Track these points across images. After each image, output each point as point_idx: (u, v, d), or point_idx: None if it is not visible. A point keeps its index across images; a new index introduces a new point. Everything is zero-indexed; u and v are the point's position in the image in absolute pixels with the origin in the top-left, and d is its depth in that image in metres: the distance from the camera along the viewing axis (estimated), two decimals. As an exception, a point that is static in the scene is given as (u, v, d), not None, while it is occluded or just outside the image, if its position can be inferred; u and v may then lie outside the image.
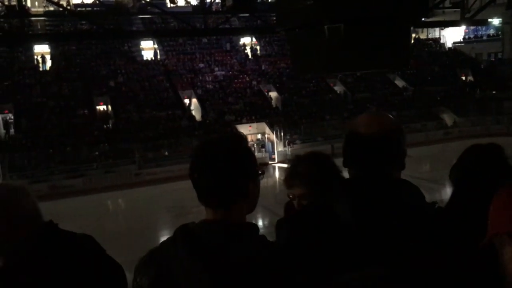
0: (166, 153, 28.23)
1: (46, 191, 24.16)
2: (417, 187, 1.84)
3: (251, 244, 1.48)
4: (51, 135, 28.06)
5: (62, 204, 22.53)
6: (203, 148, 1.59)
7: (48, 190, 24.31)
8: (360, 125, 1.79)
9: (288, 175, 2.30)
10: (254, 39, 41.81)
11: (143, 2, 25.63)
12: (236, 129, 30.97)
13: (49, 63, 35.13)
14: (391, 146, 1.76)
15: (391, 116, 1.86)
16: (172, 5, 40.33)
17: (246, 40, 41.72)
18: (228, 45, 40.59)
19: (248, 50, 41.04)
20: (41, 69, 34.49)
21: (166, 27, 38.84)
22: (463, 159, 2.03)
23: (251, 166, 1.59)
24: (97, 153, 27.15)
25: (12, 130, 28.78)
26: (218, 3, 28.94)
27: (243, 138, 1.62)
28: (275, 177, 27.98)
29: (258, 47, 40.94)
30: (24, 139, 27.45)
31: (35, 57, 35.21)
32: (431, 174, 24.50)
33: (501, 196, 1.09)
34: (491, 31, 45.13)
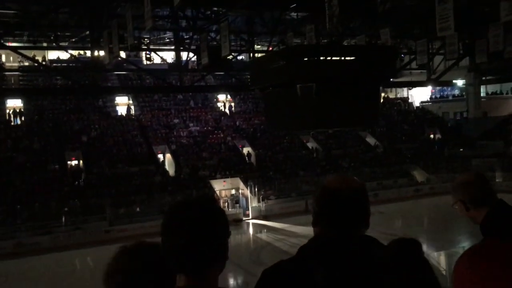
0: (138, 209, 27.68)
1: (11, 248, 23.21)
2: (382, 244, 1.95)
3: None
4: (19, 191, 27.28)
5: (28, 262, 21.61)
6: (176, 210, 1.56)
7: (14, 247, 23.35)
8: (331, 186, 1.89)
9: None
10: (229, 96, 42.54)
11: (119, 59, 25.99)
12: (211, 185, 30.82)
13: (22, 117, 34.71)
14: (360, 205, 1.85)
15: (355, 178, 1.96)
16: (148, 62, 41.10)
17: (221, 97, 42.42)
18: (199, 101, 41.15)
19: (222, 107, 41.63)
20: (12, 123, 34.01)
21: (142, 83, 39.33)
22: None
23: (225, 227, 1.59)
24: (66, 209, 26.40)
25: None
26: (193, 61, 29.66)
27: (215, 199, 1.67)
28: (249, 234, 27.63)
29: (233, 104, 41.59)
30: (-10, 195, 26.57)
31: (7, 111, 34.82)
32: (404, 231, 24.60)
33: (461, 267, 1.12)
34: (456, 92, 47.19)
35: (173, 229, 1.50)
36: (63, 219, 25.83)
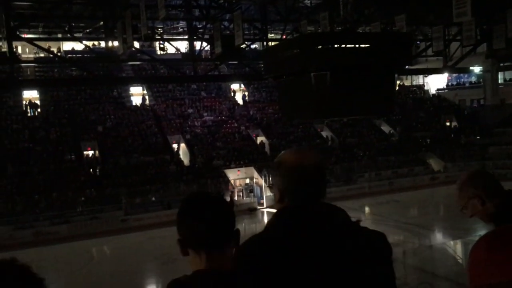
0: (153, 198, 27.94)
1: (30, 238, 23.66)
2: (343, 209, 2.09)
3: None
4: (37, 181, 27.72)
5: (47, 251, 22.01)
6: (196, 199, 1.79)
7: (33, 237, 23.80)
8: (295, 163, 1.94)
9: None
10: (242, 86, 42.47)
11: (133, 49, 26.09)
12: (225, 174, 30.93)
13: (38, 110, 35.13)
14: (322, 177, 2.04)
15: (311, 151, 2.06)
16: (162, 52, 41.19)
17: (234, 86, 42.37)
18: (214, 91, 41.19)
19: (237, 96, 41.61)
20: (29, 114, 34.46)
21: (156, 73, 39.46)
22: None
23: (233, 212, 1.79)
24: (83, 198, 26.78)
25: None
26: (207, 51, 29.66)
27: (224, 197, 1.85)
28: (264, 222, 27.72)
29: (246, 93, 41.54)
30: (9, 185, 27.05)
31: (24, 102, 35.27)
32: (419, 220, 24.47)
33: (479, 250, 1.11)
34: (473, 79, 46.44)
35: (195, 213, 1.70)
36: (80, 208, 26.19)
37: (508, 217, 1.91)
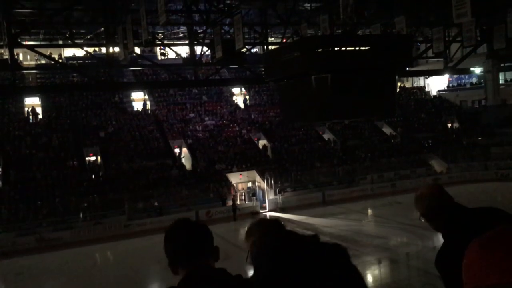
0: (156, 203, 27.93)
1: (33, 244, 23.66)
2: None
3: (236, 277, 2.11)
4: (40, 187, 27.74)
5: (50, 257, 22.01)
6: (180, 225, 2.19)
7: (36, 243, 23.80)
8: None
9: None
10: (243, 89, 42.53)
11: (134, 54, 26.16)
12: (227, 178, 30.92)
13: (39, 116, 35.21)
14: None
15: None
16: (162, 57, 41.26)
17: (236, 90, 42.43)
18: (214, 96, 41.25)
19: (237, 100, 41.65)
20: (31, 121, 34.53)
21: (157, 78, 39.54)
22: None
23: (212, 237, 2.24)
24: (85, 204, 26.79)
25: (0, 183, 28.37)
26: (208, 55, 29.69)
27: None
28: (267, 226, 27.67)
29: (247, 97, 41.58)
30: (12, 191, 27.08)
31: (26, 109, 35.35)
32: (422, 221, 24.40)
33: (474, 251, 1.10)
34: (474, 79, 46.42)
35: (175, 238, 2.13)
36: (83, 214, 26.19)
37: (454, 233, 2.06)
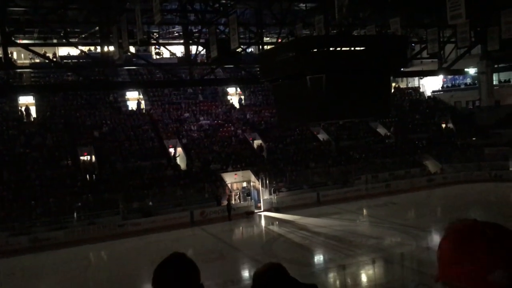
0: (150, 203, 27.88)
1: (27, 244, 23.54)
2: None
3: None
4: (34, 186, 27.61)
5: (44, 257, 21.91)
6: (167, 265, 2.29)
7: (29, 243, 23.67)
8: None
9: None
10: (238, 89, 42.51)
11: (129, 54, 26.08)
12: (222, 178, 30.90)
13: (33, 115, 35.04)
14: None
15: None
16: (157, 56, 41.17)
17: (231, 90, 42.40)
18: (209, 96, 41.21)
19: (233, 100, 41.62)
20: (25, 120, 34.35)
21: (152, 78, 39.45)
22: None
23: (198, 273, 2.34)
24: (79, 204, 26.69)
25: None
26: (203, 55, 29.66)
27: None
28: (261, 226, 27.72)
29: (242, 97, 41.57)
30: (5, 191, 26.93)
31: (20, 108, 35.16)
32: (417, 221, 24.52)
33: (448, 240, 1.13)
34: (468, 80, 46.66)
35: (167, 277, 2.24)
36: (77, 214, 26.08)
37: None
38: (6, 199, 26.30)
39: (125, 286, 16.88)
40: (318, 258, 20.36)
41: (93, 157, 31.76)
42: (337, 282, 17.17)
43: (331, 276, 17.56)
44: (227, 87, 41.71)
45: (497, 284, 1.04)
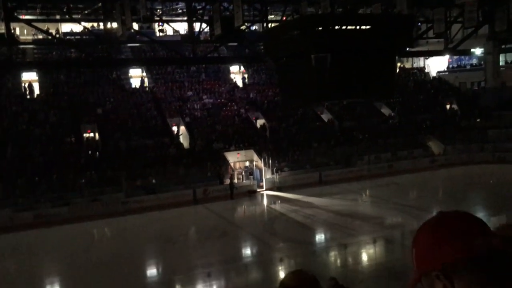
0: (154, 180, 28.01)
1: (31, 220, 23.77)
2: None
3: None
4: (38, 163, 27.74)
5: (48, 233, 22.16)
6: None
7: (34, 219, 23.91)
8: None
9: None
10: (242, 68, 42.26)
11: (132, 31, 25.88)
12: (225, 157, 30.97)
13: (37, 92, 34.99)
14: None
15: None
16: (161, 34, 40.86)
17: (234, 68, 42.16)
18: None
19: (236, 79, 41.41)
20: (28, 97, 34.32)
21: (155, 55, 39.22)
22: None
23: None
24: (83, 181, 26.84)
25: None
26: (206, 32, 29.41)
27: None
28: (263, 205, 27.88)
29: (246, 76, 41.34)
30: (9, 167, 27.08)
31: (23, 84, 35.10)
32: (418, 202, 24.59)
33: (424, 233, 1.16)
34: (474, 61, 46.19)
35: None
36: (80, 191, 26.26)
37: None
38: (10, 175, 26.46)
39: (129, 262, 17.10)
40: (320, 237, 20.52)
41: (97, 135, 31.82)
42: (338, 261, 17.33)
43: (332, 255, 17.72)
44: (231, 66, 41.46)
45: (479, 248, 1.07)
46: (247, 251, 19.02)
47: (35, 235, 21.74)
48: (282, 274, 15.95)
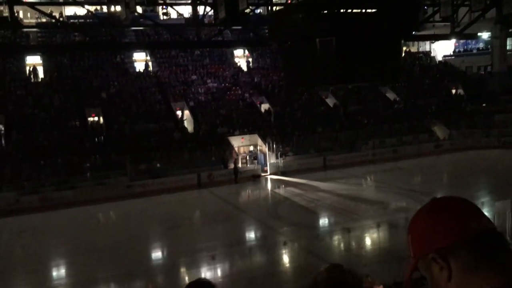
0: (158, 165, 28.10)
1: (36, 203, 23.98)
2: None
3: None
4: (42, 147, 27.86)
5: (53, 216, 22.36)
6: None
7: (39, 202, 24.11)
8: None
9: None
10: (246, 52, 41.99)
11: (136, 14, 25.68)
12: (229, 142, 30.98)
13: (41, 75, 34.98)
14: None
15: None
16: (165, 17, 40.58)
17: (238, 52, 41.91)
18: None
19: (240, 63, 41.19)
20: (32, 80, 34.32)
21: (159, 39, 39.01)
22: None
23: None
24: (88, 164, 26.96)
25: (3, 142, 28.48)
26: (210, 15, 29.14)
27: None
28: (267, 189, 27.95)
29: (250, 60, 41.10)
30: (14, 151, 27.22)
31: (27, 68, 35.08)
32: (422, 187, 24.58)
33: (419, 219, 1.20)
34: (481, 45, 45.71)
35: None
36: (85, 174, 26.39)
37: None
38: (15, 158, 26.61)
39: (133, 245, 17.24)
40: (323, 221, 20.60)
41: (101, 119, 31.86)
42: (342, 245, 17.42)
43: (336, 239, 17.80)
44: (235, 49, 41.20)
45: (476, 229, 1.12)
46: (251, 235, 19.12)
47: (41, 218, 21.94)
48: (286, 258, 16.08)
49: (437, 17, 29.14)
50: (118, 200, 24.49)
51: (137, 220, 21.16)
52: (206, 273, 14.73)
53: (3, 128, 29.44)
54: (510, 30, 38.89)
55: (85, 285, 13.92)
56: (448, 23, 32.24)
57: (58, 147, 27.92)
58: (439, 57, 48.29)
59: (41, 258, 16.92)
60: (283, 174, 29.14)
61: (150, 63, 38.47)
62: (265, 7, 30.89)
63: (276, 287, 13.22)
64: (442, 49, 48.81)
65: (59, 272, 15.97)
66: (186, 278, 15.09)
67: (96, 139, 29.83)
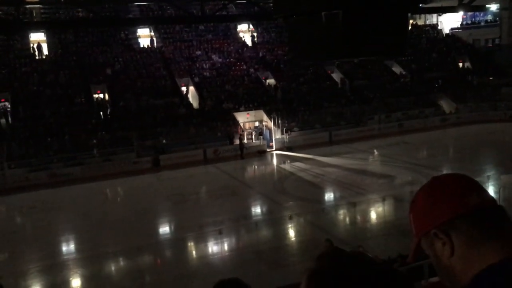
0: (164, 141, 28.22)
1: (45, 179, 24.29)
2: None
3: None
4: (49, 124, 28.01)
5: (62, 192, 22.65)
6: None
7: (48, 178, 24.41)
8: None
9: None
10: (251, 26, 41.57)
11: (139, -11, 25.42)
12: (235, 117, 30.97)
13: (45, 52, 34.88)
14: None
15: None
16: (168, -8, 40.00)
17: (243, 27, 41.48)
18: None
19: (245, 38, 40.81)
20: (37, 57, 34.26)
21: (163, 14, 38.64)
22: None
23: None
24: (95, 141, 27.13)
25: (9, 119, 28.64)
26: (215, -11, 28.76)
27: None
28: (273, 164, 28.07)
29: (255, 34, 40.71)
30: (22, 128, 27.40)
31: (31, 45, 34.98)
32: (428, 161, 24.59)
33: (420, 197, 1.22)
34: (489, 17, 44.95)
35: None
36: (92, 151, 26.57)
37: None
38: (23, 135, 26.81)
39: (141, 220, 17.48)
40: (329, 195, 20.73)
41: (106, 95, 31.88)
42: (347, 219, 17.57)
43: (341, 213, 17.95)
44: (239, 24, 40.77)
45: (476, 203, 1.13)
46: (257, 210, 19.31)
47: (50, 194, 22.23)
48: (291, 232, 16.27)
49: (445, -12, 28.65)
50: (125, 176, 24.72)
51: (144, 195, 21.39)
52: (213, 247, 14.96)
53: (9, 106, 29.58)
54: (519, 2, 38.15)
55: (95, 259, 14.19)
56: (456, -5, 31.67)
57: (65, 123, 28.06)
58: (446, 30, 47.59)
59: (51, 233, 17.21)
60: (288, 149, 29.20)
61: (154, 39, 38.22)
62: (270, -20, 30.38)
63: (282, 260, 13.42)
64: (450, 21, 48.04)
65: (68, 247, 16.27)
66: (194, 252, 15.34)
67: (102, 116, 29.92)
